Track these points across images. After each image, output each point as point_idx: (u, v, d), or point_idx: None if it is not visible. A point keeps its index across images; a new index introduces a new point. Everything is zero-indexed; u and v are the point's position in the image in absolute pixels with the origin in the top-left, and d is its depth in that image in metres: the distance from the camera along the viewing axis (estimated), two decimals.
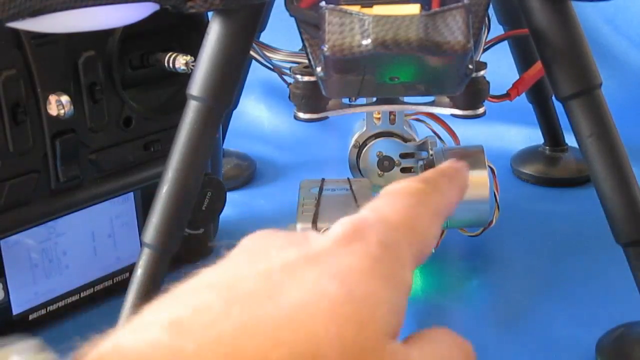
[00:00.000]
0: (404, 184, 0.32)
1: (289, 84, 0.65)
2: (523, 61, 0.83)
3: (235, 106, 0.88)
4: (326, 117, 0.65)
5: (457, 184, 0.35)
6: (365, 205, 0.31)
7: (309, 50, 0.55)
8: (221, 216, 0.74)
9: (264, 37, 0.72)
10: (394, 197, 0.31)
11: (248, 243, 0.30)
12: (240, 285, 0.26)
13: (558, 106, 0.74)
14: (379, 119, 0.76)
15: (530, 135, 0.96)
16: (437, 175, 0.34)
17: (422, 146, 0.75)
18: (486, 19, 0.63)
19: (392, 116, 0.76)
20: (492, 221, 0.70)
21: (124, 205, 0.67)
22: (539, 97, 0.88)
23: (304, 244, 0.28)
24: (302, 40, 0.55)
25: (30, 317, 0.63)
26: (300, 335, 0.25)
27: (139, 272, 0.57)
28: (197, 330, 0.24)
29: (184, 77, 0.59)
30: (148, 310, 0.26)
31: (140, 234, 0.61)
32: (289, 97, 0.65)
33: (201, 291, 0.26)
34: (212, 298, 0.26)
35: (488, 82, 0.63)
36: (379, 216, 0.30)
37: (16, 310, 0.62)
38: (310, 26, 0.53)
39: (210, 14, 0.56)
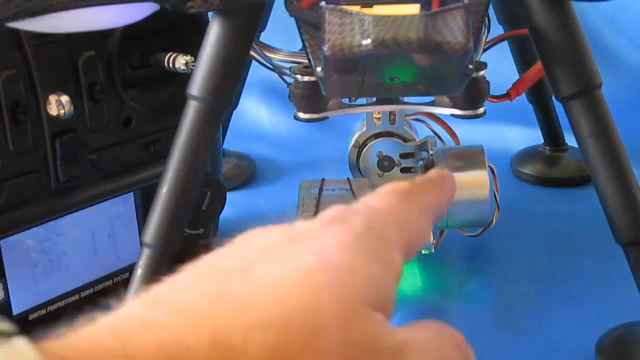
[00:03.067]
0: (392, 184, 0.33)
1: (289, 84, 0.65)
2: (523, 61, 0.83)
3: (235, 106, 0.88)
4: (326, 117, 0.65)
5: (444, 187, 0.36)
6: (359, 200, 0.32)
7: (309, 50, 0.55)
8: (221, 216, 0.74)
9: (264, 37, 0.72)
10: (382, 193, 0.32)
11: (240, 236, 0.31)
12: (217, 264, 0.27)
13: (558, 106, 0.74)
14: (379, 119, 0.76)
15: (530, 135, 0.96)
16: (424, 179, 0.35)
17: (422, 146, 0.75)
18: (486, 19, 0.63)
19: (392, 116, 0.76)
20: (492, 221, 0.70)
21: (124, 205, 0.67)
22: (539, 97, 0.88)
23: (288, 229, 0.29)
24: (302, 40, 0.55)
25: (30, 317, 0.63)
26: (272, 301, 0.25)
27: (139, 272, 0.57)
28: (169, 301, 0.25)
29: (184, 77, 0.59)
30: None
31: (140, 234, 0.61)
32: (289, 97, 0.65)
33: (179, 273, 0.27)
34: (188, 275, 0.26)
35: (488, 82, 0.63)
36: (366, 204, 0.31)
37: (16, 310, 0.62)
38: (310, 26, 0.53)
39: (210, 14, 0.56)
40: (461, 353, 0.29)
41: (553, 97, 0.74)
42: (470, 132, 0.87)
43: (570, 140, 0.87)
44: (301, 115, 0.64)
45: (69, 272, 0.65)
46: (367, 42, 0.46)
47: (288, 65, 0.67)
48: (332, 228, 0.28)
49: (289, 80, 0.65)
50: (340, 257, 0.27)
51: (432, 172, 0.36)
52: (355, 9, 0.49)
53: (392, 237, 0.29)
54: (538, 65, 0.67)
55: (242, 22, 0.55)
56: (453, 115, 0.65)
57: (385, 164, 0.76)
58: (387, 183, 0.33)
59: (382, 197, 0.32)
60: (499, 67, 0.74)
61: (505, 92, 0.69)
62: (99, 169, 0.65)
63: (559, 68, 0.55)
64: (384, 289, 0.28)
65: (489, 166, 0.69)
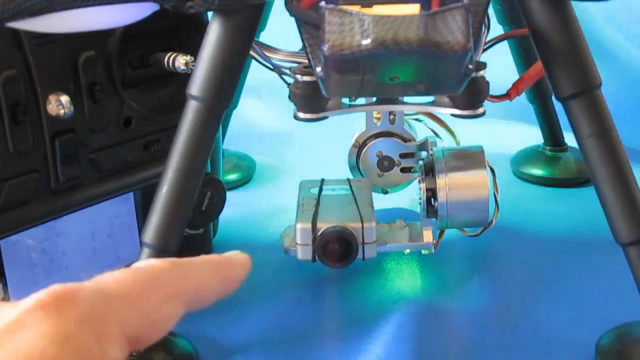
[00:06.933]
0: (147, 261, 0.30)
1: (289, 84, 0.65)
2: (523, 61, 0.83)
3: (235, 106, 0.88)
4: (326, 117, 0.65)
5: (221, 275, 0.31)
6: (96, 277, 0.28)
7: (309, 50, 0.55)
8: (221, 216, 0.74)
9: (264, 37, 0.72)
10: (126, 271, 0.29)
11: None
12: None
13: (558, 106, 0.74)
14: (379, 119, 0.76)
15: (530, 135, 0.96)
16: (198, 260, 0.31)
17: (422, 146, 0.75)
18: (486, 19, 0.63)
19: (392, 116, 0.76)
20: (492, 221, 0.70)
21: (124, 205, 0.67)
22: (539, 97, 0.88)
23: None
24: (302, 40, 0.55)
25: None
26: None
27: None
28: None
29: (184, 77, 0.59)
30: None
31: (140, 234, 0.61)
32: (289, 97, 0.65)
33: None
34: None
35: (488, 82, 0.63)
36: (96, 286, 0.28)
37: None
38: (310, 26, 0.53)
39: (210, 14, 0.56)
40: None
41: (553, 97, 0.74)
42: (470, 132, 0.87)
43: (570, 140, 0.87)
44: (301, 115, 0.64)
45: (69, 272, 0.65)
46: (367, 42, 0.46)
47: (288, 65, 0.67)
48: (39, 324, 0.25)
49: (289, 80, 0.65)
50: None
51: (224, 254, 0.32)
52: (355, 9, 0.49)
53: (111, 332, 0.26)
54: (538, 65, 0.67)
55: (242, 22, 0.55)
56: (453, 115, 0.65)
57: (385, 164, 0.76)
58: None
59: (122, 278, 0.28)
60: (499, 67, 0.74)
61: (505, 92, 0.69)
62: (99, 169, 0.65)
63: (559, 68, 0.55)
64: None
65: (489, 166, 0.69)
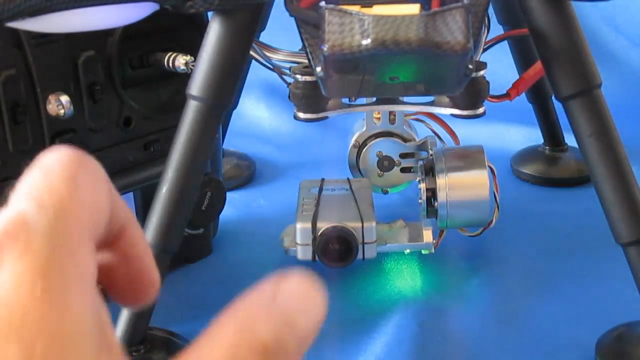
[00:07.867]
0: (51, 154, 0.27)
1: (289, 84, 0.65)
2: (523, 61, 0.83)
3: (235, 106, 0.88)
4: (326, 117, 0.65)
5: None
6: (16, 191, 0.26)
7: (309, 50, 0.55)
8: (221, 216, 0.74)
9: (264, 37, 0.72)
10: (48, 174, 0.26)
11: None
12: None
13: (558, 106, 0.74)
14: (379, 119, 0.76)
15: (530, 135, 0.96)
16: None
17: (422, 146, 0.75)
18: (486, 19, 0.63)
19: (392, 116, 0.76)
20: (492, 221, 0.70)
21: None
22: (539, 97, 0.88)
23: None
24: (302, 40, 0.56)
25: None
26: None
27: None
28: None
29: (184, 77, 0.59)
30: None
31: None
32: (289, 97, 0.65)
33: None
34: None
35: (488, 82, 0.63)
36: (39, 205, 0.25)
37: None
38: (310, 26, 0.53)
39: (210, 14, 0.56)
40: None
41: (553, 97, 0.74)
42: (470, 132, 0.87)
43: (570, 140, 0.87)
44: (301, 115, 0.64)
45: None
46: (366, 42, 0.46)
47: (288, 65, 0.67)
48: (8, 262, 0.22)
49: (289, 80, 0.65)
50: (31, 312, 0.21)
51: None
52: (355, 8, 0.49)
53: (81, 241, 0.25)
54: (538, 65, 0.67)
55: (242, 22, 0.55)
56: (453, 115, 0.65)
57: (385, 164, 0.76)
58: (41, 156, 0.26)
59: (53, 182, 0.26)
60: (499, 67, 0.74)
61: (505, 92, 0.69)
62: None
63: (559, 68, 0.55)
64: (94, 314, 0.23)
65: (489, 166, 0.69)
